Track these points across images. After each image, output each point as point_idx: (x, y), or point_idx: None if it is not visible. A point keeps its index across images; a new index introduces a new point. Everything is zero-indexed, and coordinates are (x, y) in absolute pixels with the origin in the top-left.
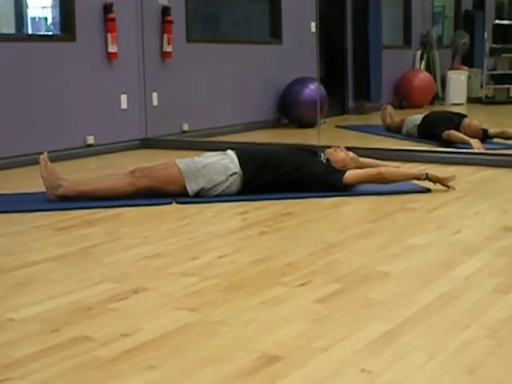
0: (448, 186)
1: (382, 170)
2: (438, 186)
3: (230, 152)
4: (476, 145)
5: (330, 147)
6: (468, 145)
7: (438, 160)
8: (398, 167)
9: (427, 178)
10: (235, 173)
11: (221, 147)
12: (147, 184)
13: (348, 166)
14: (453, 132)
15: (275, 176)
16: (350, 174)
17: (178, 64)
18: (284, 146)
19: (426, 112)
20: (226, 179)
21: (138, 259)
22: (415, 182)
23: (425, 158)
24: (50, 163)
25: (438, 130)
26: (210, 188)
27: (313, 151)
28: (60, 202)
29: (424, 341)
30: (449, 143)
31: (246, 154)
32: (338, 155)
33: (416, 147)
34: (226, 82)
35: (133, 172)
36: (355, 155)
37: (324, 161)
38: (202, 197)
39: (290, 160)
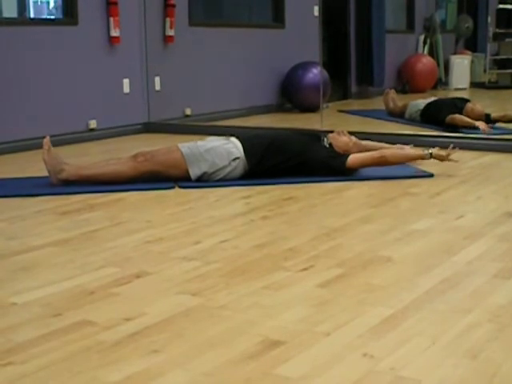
0: (453, 160)
1: (385, 152)
2: (442, 169)
3: (233, 139)
4: (482, 126)
5: (332, 132)
6: (472, 129)
7: (441, 145)
8: (401, 148)
9: (432, 157)
10: (238, 158)
11: (223, 132)
12: (150, 168)
13: (351, 151)
14: (457, 115)
15: (279, 161)
16: (353, 158)
17: (181, 48)
18: (287, 131)
19: (430, 98)
20: (229, 164)
21: (140, 243)
22: (419, 165)
23: (427, 142)
24: (52, 147)
25: (441, 114)
26: (213, 172)
27: (316, 136)
28: (62, 187)
29: (426, 326)
30: (453, 128)
31: (249, 141)
32: (341, 139)
33: (419, 132)
34: (228, 67)
35: (135, 156)
36: (358, 139)
37: (327, 145)
38: (205, 181)
39: (294, 145)
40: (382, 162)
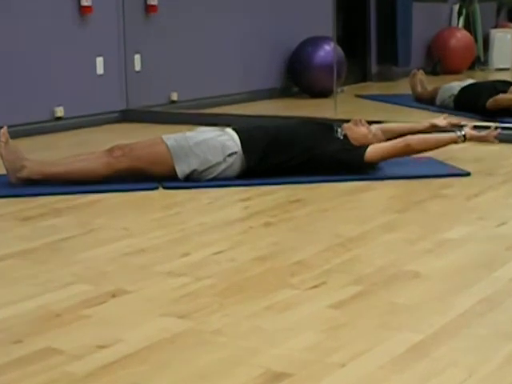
0: (492, 142)
1: (410, 139)
2: (480, 167)
3: (228, 130)
4: None
5: (348, 121)
6: None
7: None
8: (425, 128)
9: (466, 139)
10: (235, 152)
11: (217, 121)
12: (128, 165)
13: (370, 143)
14: (502, 95)
15: (283, 159)
16: (373, 149)
17: (166, 19)
18: (293, 121)
19: (466, 80)
20: (224, 160)
21: (117, 256)
22: (451, 162)
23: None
24: (11, 140)
25: (480, 100)
26: (204, 170)
27: (328, 126)
28: (24, 187)
29: (461, 354)
30: (495, 115)
31: (248, 133)
32: (359, 130)
33: (452, 121)
34: (224, 42)
35: (111, 150)
36: (379, 130)
37: (341, 137)
38: (195, 180)
39: (301, 139)
40: (408, 151)
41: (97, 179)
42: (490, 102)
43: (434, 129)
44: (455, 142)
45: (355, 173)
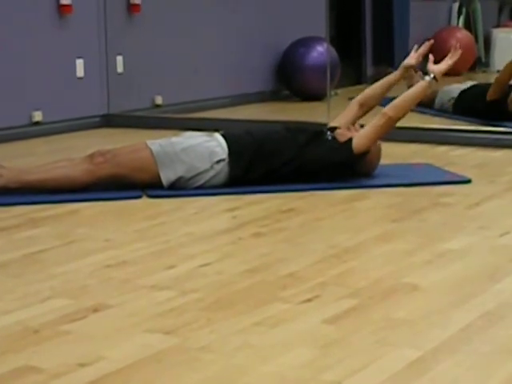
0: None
1: (387, 111)
2: (482, 174)
3: (217, 135)
4: None
5: (338, 128)
6: None
7: (480, 142)
8: (400, 75)
9: (437, 79)
10: (222, 160)
11: (204, 126)
12: (110, 171)
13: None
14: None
15: (270, 167)
16: (358, 138)
17: (149, 19)
18: (281, 126)
19: (466, 82)
20: (211, 167)
21: (98, 268)
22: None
23: (462, 139)
24: None
25: (479, 102)
26: (191, 178)
27: (317, 130)
28: (2, 196)
29: (463, 372)
30: (495, 118)
31: (235, 140)
32: (352, 136)
33: (451, 126)
34: (210, 43)
35: (92, 156)
36: (355, 105)
37: (329, 138)
38: (180, 188)
39: (289, 145)
40: (392, 123)
41: (77, 187)
42: (490, 94)
43: (408, 72)
44: (429, 87)
45: (350, 171)
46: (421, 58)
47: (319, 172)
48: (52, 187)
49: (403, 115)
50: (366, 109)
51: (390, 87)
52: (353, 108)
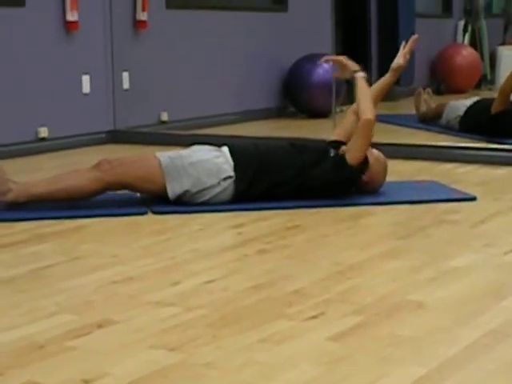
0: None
1: (362, 114)
2: (487, 191)
3: (225, 149)
4: None
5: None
6: None
7: (485, 159)
8: (392, 76)
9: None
10: (230, 177)
11: (210, 142)
12: (116, 178)
13: (372, 168)
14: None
15: (275, 182)
16: (349, 151)
17: (156, 36)
18: (286, 143)
19: (473, 98)
20: (218, 183)
21: (103, 284)
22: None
23: (467, 156)
24: None
25: (484, 115)
26: (197, 192)
27: (322, 148)
28: (8, 212)
29: None
30: (500, 134)
31: (240, 156)
32: None
33: (456, 143)
34: (216, 60)
35: (98, 164)
36: (381, 153)
37: (331, 154)
38: (186, 202)
39: (294, 161)
40: (372, 122)
41: (86, 195)
42: (495, 107)
43: (400, 71)
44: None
45: (354, 188)
46: (408, 56)
47: (323, 189)
48: (61, 198)
49: (375, 110)
50: None
51: (383, 91)
52: (350, 118)
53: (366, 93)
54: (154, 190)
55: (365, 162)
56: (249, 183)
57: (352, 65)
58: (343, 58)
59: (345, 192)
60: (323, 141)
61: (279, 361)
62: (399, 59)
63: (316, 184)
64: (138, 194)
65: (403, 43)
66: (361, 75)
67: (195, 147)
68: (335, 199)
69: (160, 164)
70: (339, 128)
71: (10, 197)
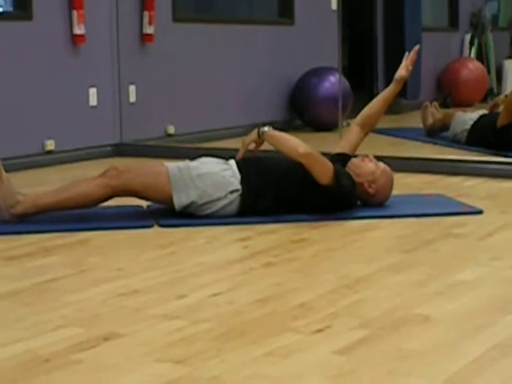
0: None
1: (295, 153)
2: (494, 204)
3: (232, 163)
4: None
5: (355, 156)
6: None
7: (491, 173)
8: (396, 87)
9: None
10: (237, 190)
11: (216, 155)
12: (124, 184)
13: (378, 181)
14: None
15: (280, 196)
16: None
17: (162, 49)
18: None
19: (479, 111)
20: (225, 196)
21: (109, 297)
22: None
23: (474, 170)
24: (5, 174)
25: (489, 129)
26: (203, 204)
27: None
28: (16, 224)
29: None
30: (507, 147)
31: (246, 170)
32: (366, 167)
33: (463, 156)
34: (223, 73)
35: (105, 171)
36: (387, 167)
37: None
38: (191, 214)
39: (299, 175)
40: (307, 153)
41: (94, 202)
42: (500, 118)
43: (402, 82)
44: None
45: (350, 201)
46: (410, 67)
47: (326, 203)
48: (69, 207)
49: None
50: (367, 129)
51: (386, 103)
52: (354, 131)
53: (282, 137)
54: (160, 198)
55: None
56: (255, 197)
57: (252, 137)
58: (244, 145)
59: (349, 207)
60: (329, 154)
61: (285, 374)
62: (402, 70)
63: (320, 198)
64: (145, 206)
65: (406, 54)
66: (265, 129)
67: (203, 159)
68: (341, 213)
69: (168, 173)
70: (344, 140)
71: (19, 209)
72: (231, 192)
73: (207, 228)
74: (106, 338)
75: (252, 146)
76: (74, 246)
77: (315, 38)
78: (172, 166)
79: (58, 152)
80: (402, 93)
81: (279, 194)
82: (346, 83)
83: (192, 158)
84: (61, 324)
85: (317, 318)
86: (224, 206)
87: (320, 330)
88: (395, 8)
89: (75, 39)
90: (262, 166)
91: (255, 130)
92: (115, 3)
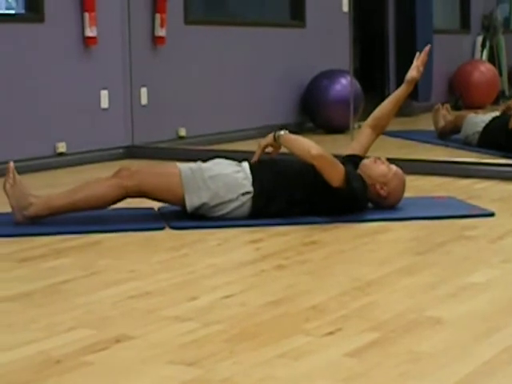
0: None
1: (307, 155)
2: (506, 207)
3: (245, 165)
4: None
5: (366, 158)
6: None
7: (503, 175)
8: (407, 89)
9: (412, 82)
10: (248, 192)
11: (228, 158)
12: (136, 185)
13: (390, 183)
14: None
15: (292, 199)
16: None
17: (174, 52)
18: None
19: (491, 113)
20: (237, 198)
21: (121, 299)
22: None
23: (485, 172)
24: (18, 176)
25: (502, 131)
26: (214, 206)
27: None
28: (25, 226)
29: None
30: None
31: (258, 173)
32: (378, 169)
33: (474, 159)
34: (234, 76)
35: (117, 172)
36: (399, 169)
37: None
38: (202, 215)
39: (311, 177)
40: (319, 154)
41: (106, 203)
42: (511, 120)
43: (413, 83)
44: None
45: (361, 203)
46: (421, 68)
47: (337, 205)
48: (82, 208)
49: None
50: (378, 130)
51: (398, 103)
52: (365, 132)
53: (296, 140)
54: (171, 199)
55: (358, 178)
56: (267, 199)
57: (268, 140)
58: (260, 148)
59: (360, 209)
60: (340, 156)
61: (297, 376)
62: (412, 71)
63: (332, 200)
64: (157, 208)
65: (417, 54)
66: (282, 133)
67: (216, 160)
68: (352, 215)
69: (180, 174)
70: (355, 142)
71: (32, 211)
72: (243, 194)
73: (219, 230)
74: (118, 340)
75: (269, 149)
76: (85, 247)
77: (326, 40)
78: (184, 166)
79: (70, 154)
80: (414, 95)
81: (292, 196)
82: (358, 85)
83: (204, 161)
84: (73, 326)
85: (328, 321)
86: (235, 208)
87: (331, 333)
88: (406, 10)
89: (87, 41)
90: (275, 169)
91: (271, 134)
92: (127, 5)
